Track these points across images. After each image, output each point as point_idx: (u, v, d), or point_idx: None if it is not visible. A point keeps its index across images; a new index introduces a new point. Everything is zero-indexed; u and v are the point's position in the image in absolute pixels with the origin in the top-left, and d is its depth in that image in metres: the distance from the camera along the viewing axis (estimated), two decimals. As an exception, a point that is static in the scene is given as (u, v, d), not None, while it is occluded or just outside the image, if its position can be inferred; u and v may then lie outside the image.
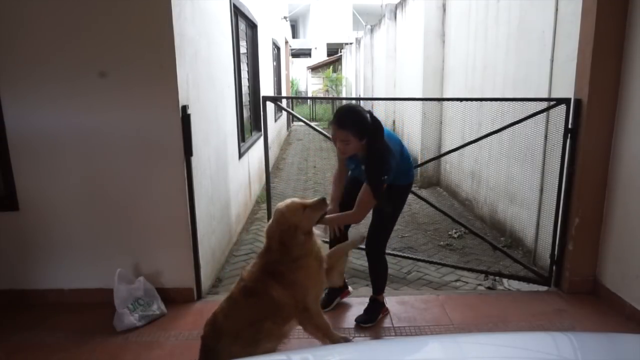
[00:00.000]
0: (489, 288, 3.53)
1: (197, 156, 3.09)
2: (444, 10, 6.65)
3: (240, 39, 5.30)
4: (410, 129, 8.10)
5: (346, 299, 3.09)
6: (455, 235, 4.70)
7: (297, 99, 22.63)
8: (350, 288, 3.10)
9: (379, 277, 2.86)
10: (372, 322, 2.82)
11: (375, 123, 2.41)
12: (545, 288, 3.34)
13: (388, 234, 2.79)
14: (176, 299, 3.04)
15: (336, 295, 3.03)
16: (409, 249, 4.39)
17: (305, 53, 29.25)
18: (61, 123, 2.83)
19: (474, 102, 4.86)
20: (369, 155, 2.45)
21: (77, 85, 2.77)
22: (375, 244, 2.77)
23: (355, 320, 2.82)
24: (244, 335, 2.10)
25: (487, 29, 5.15)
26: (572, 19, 3.40)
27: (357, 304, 3.02)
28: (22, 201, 2.94)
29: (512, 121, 3.45)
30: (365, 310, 2.87)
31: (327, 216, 2.51)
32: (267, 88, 7.77)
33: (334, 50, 27.04)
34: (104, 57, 2.74)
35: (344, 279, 3.09)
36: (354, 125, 2.38)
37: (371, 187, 2.45)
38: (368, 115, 2.42)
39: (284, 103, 7.14)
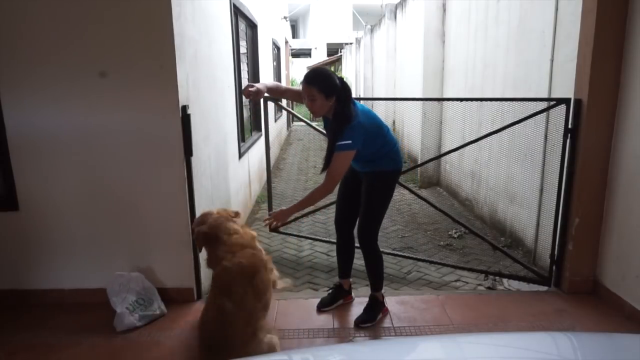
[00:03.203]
0: (489, 288, 3.53)
1: (197, 156, 3.09)
2: (444, 10, 6.66)
3: (240, 39, 5.30)
4: (410, 129, 8.10)
5: (346, 300, 3.10)
6: (455, 235, 4.70)
7: (297, 98, 22.56)
8: (352, 294, 3.10)
9: (375, 271, 2.86)
10: (372, 322, 2.82)
11: (345, 88, 2.54)
12: (545, 288, 3.34)
13: (378, 223, 2.80)
14: (176, 298, 3.05)
15: (340, 297, 3.04)
16: (409, 249, 4.39)
17: (305, 53, 29.26)
18: (61, 123, 2.83)
19: (474, 102, 4.86)
20: (333, 119, 2.57)
21: (77, 85, 2.77)
22: (367, 235, 2.78)
23: (355, 320, 2.82)
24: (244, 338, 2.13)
25: (487, 29, 5.15)
26: (572, 19, 3.40)
27: (357, 304, 3.02)
28: (22, 201, 2.94)
29: (512, 121, 3.45)
30: (365, 310, 2.87)
31: (294, 204, 2.66)
32: (267, 88, 7.75)
33: (334, 50, 27.04)
34: (104, 57, 2.74)
35: (350, 284, 3.11)
36: (321, 82, 2.52)
37: (328, 151, 2.56)
38: (338, 80, 2.55)
39: (284, 103, 7.12)
